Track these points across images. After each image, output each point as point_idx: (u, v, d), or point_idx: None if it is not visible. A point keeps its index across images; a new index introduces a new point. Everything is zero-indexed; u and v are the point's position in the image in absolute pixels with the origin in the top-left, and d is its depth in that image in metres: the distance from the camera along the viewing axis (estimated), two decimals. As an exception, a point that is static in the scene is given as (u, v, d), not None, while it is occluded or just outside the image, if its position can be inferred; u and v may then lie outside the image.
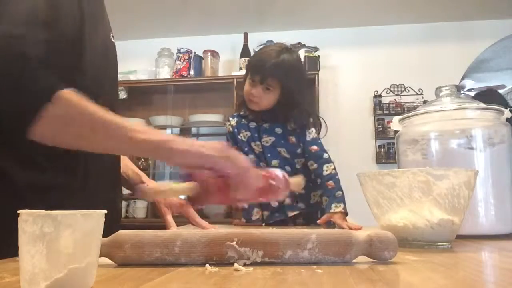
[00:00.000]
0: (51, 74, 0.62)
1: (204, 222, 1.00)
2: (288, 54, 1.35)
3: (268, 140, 1.40)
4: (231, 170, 0.62)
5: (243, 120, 1.45)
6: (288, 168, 1.37)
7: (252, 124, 1.43)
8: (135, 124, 0.63)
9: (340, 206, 1.25)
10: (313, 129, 1.39)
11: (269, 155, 1.38)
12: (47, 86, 0.60)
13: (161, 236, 0.50)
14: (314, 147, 1.36)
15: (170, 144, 0.62)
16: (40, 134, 0.60)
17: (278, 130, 1.40)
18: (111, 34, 0.92)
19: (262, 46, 1.42)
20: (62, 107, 0.60)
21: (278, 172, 0.68)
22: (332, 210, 1.24)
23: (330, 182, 1.30)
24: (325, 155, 1.36)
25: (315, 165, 1.35)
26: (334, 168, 1.33)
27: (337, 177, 1.32)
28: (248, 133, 1.43)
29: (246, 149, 1.42)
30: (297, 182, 0.73)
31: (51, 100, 0.59)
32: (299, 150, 1.39)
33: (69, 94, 0.61)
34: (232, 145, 1.43)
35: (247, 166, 0.64)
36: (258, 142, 1.40)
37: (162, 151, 0.63)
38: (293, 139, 1.38)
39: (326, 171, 1.32)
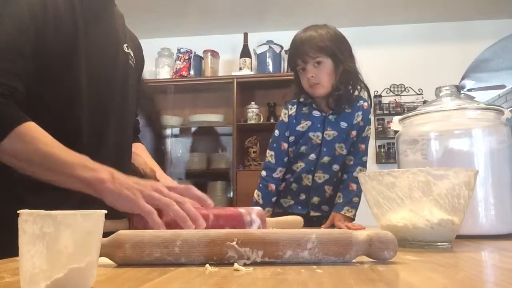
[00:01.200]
0: (13, 109, 0.69)
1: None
2: (313, 28, 1.34)
3: (331, 134, 1.35)
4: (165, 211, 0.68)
5: (304, 108, 1.38)
6: (336, 166, 1.36)
7: (316, 113, 1.36)
8: (85, 161, 0.70)
9: (351, 212, 1.27)
10: (370, 126, 1.39)
11: (324, 149, 1.34)
12: (6, 121, 0.67)
13: (161, 236, 0.50)
14: (363, 146, 1.37)
15: (104, 185, 0.68)
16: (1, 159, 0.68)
17: (343, 124, 1.35)
18: (125, 45, 0.92)
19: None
20: (17, 142, 0.67)
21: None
22: (342, 212, 1.25)
23: (353, 185, 1.31)
24: (364, 158, 1.37)
25: (352, 162, 1.35)
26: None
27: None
28: (309, 123, 1.35)
29: (301, 140, 1.36)
30: None
31: (7, 135, 0.66)
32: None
33: (27, 129, 0.68)
34: (281, 134, 1.38)
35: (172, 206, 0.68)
36: (319, 133, 1.34)
37: (96, 189, 0.69)
38: (354, 133, 1.36)
39: (358, 173, 1.30)
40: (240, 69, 3.27)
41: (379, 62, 3.35)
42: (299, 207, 1.36)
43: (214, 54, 3.38)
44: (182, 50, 3.36)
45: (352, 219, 1.28)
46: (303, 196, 1.36)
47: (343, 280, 0.42)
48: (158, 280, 0.41)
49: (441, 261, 0.55)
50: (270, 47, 3.26)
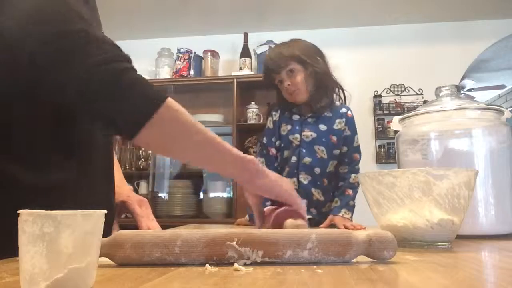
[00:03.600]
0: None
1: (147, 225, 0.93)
2: (281, 43, 1.43)
3: (309, 135, 1.39)
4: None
5: (286, 113, 1.45)
6: (317, 170, 1.38)
7: (296, 117, 1.43)
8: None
9: (348, 214, 1.29)
10: (357, 136, 1.43)
11: (304, 151, 1.38)
12: (158, 93, 0.62)
13: (161, 236, 0.50)
14: (357, 155, 1.41)
15: (258, 166, 0.69)
16: (146, 138, 0.61)
17: (323, 126, 1.40)
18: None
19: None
20: (173, 111, 0.62)
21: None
22: (340, 214, 1.28)
23: (350, 191, 1.34)
24: (357, 166, 1.41)
25: (346, 170, 1.38)
26: (357, 181, 1.37)
27: (357, 189, 1.34)
28: (289, 126, 1.42)
29: (282, 144, 1.42)
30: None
31: (163, 105, 0.61)
32: (336, 152, 1.39)
33: (174, 101, 0.64)
34: (269, 140, 1.44)
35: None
36: (297, 135, 1.39)
37: (250, 169, 0.69)
38: (334, 139, 1.39)
39: (353, 180, 1.36)
40: (240, 69, 3.27)
41: (379, 62, 3.35)
42: None
43: (214, 54, 3.38)
44: (182, 50, 3.36)
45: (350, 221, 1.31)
46: None
47: (343, 280, 0.42)
48: (158, 280, 0.41)
49: (441, 261, 0.55)
50: (270, 47, 3.26)
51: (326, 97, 1.40)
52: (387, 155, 3.20)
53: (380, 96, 3.30)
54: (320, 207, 1.39)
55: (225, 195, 3.26)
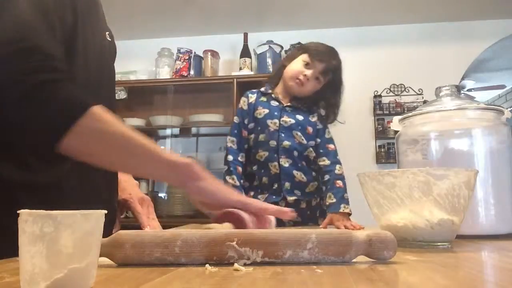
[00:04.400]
0: (79, 90, 0.63)
1: (148, 224, 0.93)
2: (338, 56, 1.48)
3: (287, 120, 1.43)
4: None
5: (263, 97, 1.48)
6: (296, 153, 1.41)
7: (274, 103, 1.46)
8: (160, 148, 0.66)
9: (347, 207, 1.30)
10: (329, 130, 1.48)
11: (283, 134, 1.41)
12: (80, 100, 0.61)
13: (161, 236, 0.50)
14: (332, 146, 1.44)
15: (193, 169, 0.66)
16: (67, 146, 0.60)
17: (300, 117, 1.44)
18: (107, 33, 0.91)
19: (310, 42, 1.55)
20: (94, 122, 0.61)
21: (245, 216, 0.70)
22: (341, 210, 1.28)
23: (339, 182, 1.35)
24: (338, 157, 1.43)
25: (328, 162, 1.40)
26: (343, 170, 1.39)
27: (344, 180, 1.36)
28: (267, 110, 1.45)
29: (259, 128, 1.44)
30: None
31: (84, 115, 0.59)
32: (312, 143, 1.44)
33: (100, 109, 0.62)
34: (241, 122, 1.46)
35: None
36: (276, 120, 1.43)
37: (185, 174, 0.66)
38: (310, 130, 1.43)
39: (338, 170, 1.38)
40: (240, 69, 3.27)
41: (379, 62, 3.35)
42: (273, 197, 1.41)
43: (214, 54, 3.38)
44: (182, 50, 3.36)
45: (349, 214, 1.31)
46: (275, 186, 1.41)
47: (343, 280, 0.42)
48: (158, 280, 0.41)
49: (441, 261, 0.55)
50: (270, 47, 3.26)
51: (310, 110, 1.47)
52: (387, 155, 3.20)
53: (380, 96, 3.29)
54: (304, 188, 1.42)
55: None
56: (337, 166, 1.39)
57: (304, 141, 1.42)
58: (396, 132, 1.07)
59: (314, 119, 1.46)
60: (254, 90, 1.52)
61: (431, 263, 0.53)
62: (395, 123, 1.05)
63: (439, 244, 0.69)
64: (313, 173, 1.44)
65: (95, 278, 0.38)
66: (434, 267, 0.50)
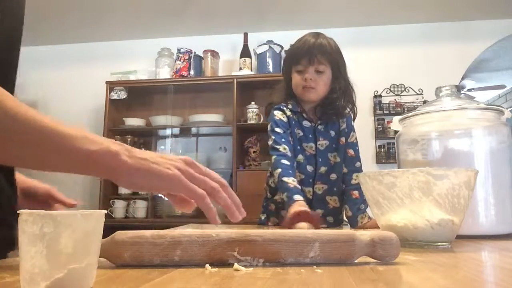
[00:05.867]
0: None
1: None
2: (324, 37, 1.35)
3: (323, 143, 1.34)
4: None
5: (295, 116, 1.34)
6: (334, 176, 1.34)
7: (306, 123, 1.34)
8: (82, 131, 0.50)
9: (364, 218, 1.25)
10: (354, 133, 1.37)
11: (320, 160, 1.33)
12: None
13: (160, 245, 0.49)
14: (351, 152, 1.35)
15: (119, 158, 0.50)
16: None
17: (332, 132, 1.35)
18: None
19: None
20: None
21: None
22: (359, 224, 1.24)
23: (355, 192, 1.29)
24: (358, 164, 1.34)
25: (346, 170, 1.33)
26: None
27: (361, 189, 1.24)
28: (301, 132, 1.34)
29: (298, 147, 1.33)
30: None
31: None
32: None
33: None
34: (287, 133, 1.30)
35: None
36: (312, 144, 1.33)
37: (109, 166, 0.50)
38: (343, 139, 1.35)
39: (355, 180, 1.30)
40: (240, 69, 3.27)
41: (379, 62, 3.35)
42: None
43: (214, 54, 3.38)
44: (182, 50, 3.36)
45: (369, 219, 1.27)
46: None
47: (343, 280, 0.42)
48: (158, 280, 0.41)
49: (441, 261, 0.55)
50: (270, 47, 3.26)
51: (338, 107, 1.34)
52: (387, 155, 3.20)
53: (380, 96, 3.30)
54: (337, 214, 1.36)
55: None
56: (354, 175, 1.31)
57: (338, 160, 1.34)
58: (396, 132, 1.07)
59: (343, 125, 1.36)
60: (284, 105, 1.35)
61: (431, 263, 0.53)
62: (395, 123, 1.05)
63: (439, 244, 0.69)
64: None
65: (95, 278, 0.38)
66: (434, 267, 0.50)
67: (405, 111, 3.00)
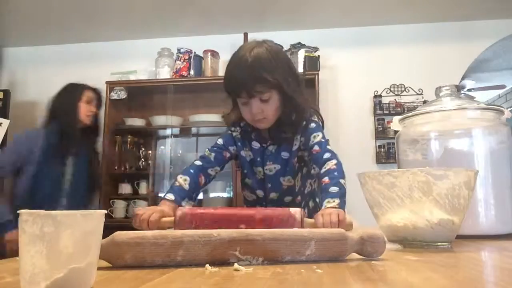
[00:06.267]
0: None
1: None
2: (256, 51, 1.15)
3: (272, 168, 1.22)
4: None
5: (245, 135, 1.24)
6: (288, 198, 1.24)
7: (255, 145, 1.23)
8: None
9: (334, 201, 1.02)
10: (319, 133, 1.18)
11: (269, 185, 1.22)
12: None
13: (162, 245, 0.49)
14: (316, 148, 1.17)
15: None
16: None
17: (285, 154, 1.21)
18: None
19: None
20: None
21: None
22: (324, 207, 1.02)
23: (325, 179, 1.10)
24: (326, 155, 1.15)
25: (317, 169, 1.16)
26: (336, 164, 1.11)
27: (335, 173, 1.09)
28: (251, 154, 1.23)
29: (245, 171, 1.24)
30: None
31: None
32: (300, 166, 1.24)
33: None
34: (227, 148, 1.24)
35: None
36: (260, 169, 1.23)
37: None
38: (295, 161, 1.21)
39: (325, 168, 1.12)
40: (240, 69, 3.27)
41: (379, 62, 3.35)
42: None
43: (214, 54, 3.38)
44: (182, 50, 3.36)
45: (339, 208, 1.02)
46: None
47: (343, 280, 0.42)
48: (158, 280, 0.41)
49: (441, 261, 0.56)
50: (270, 47, 3.26)
51: (293, 125, 1.19)
52: (387, 155, 3.20)
53: (380, 96, 3.29)
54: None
55: (225, 195, 3.27)
56: (325, 164, 1.12)
57: (292, 182, 1.21)
58: (396, 132, 1.07)
59: (297, 143, 1.20)
60: (236, 124, 1.25)
61: (431, 263, 0.53)
62: (395, 123, 1.05)
63: (439, 244, 0.69)
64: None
65: (95, 278, 0.38)
66: (434, 267, 0.50)
67: (405, 111, 3.00)
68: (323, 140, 1.18)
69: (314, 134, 1.18)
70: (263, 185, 1.23)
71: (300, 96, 1.18)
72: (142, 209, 1.00)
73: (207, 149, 1.24)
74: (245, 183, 1.27)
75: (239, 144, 1.24)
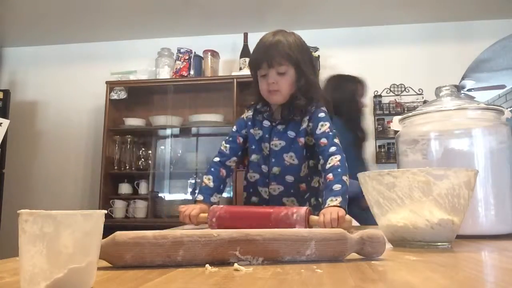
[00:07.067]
0: None
1: None
2: (282, 34, 1.32)
3: (277, 143, 1.32)
4: None
5: (259, 116, 1.38)
6: (290, 178, 1.29)
7: (266, 123, 1.35)
8: None
9: (336, 199, 1.09)
10: (327, 123, 1.27)
11: (273, 160, 1.31)
12: None
13: (163, 245, 0.49)
14: (323, 141, 1.24)
15: None
16: None
17: (291, 133, 1.31)
18: None
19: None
20: None
21: None
22: (326, 205, 1.08)
23: (329, 175, 1.16)
24: (332, 149, 1.21)
25: (322, 161, 1.23)
26: (340, 160, 1.18)
27: (339, 169, 1.16)
28: (260, 132, 1.36)
29: (253, 147, 1.35)
30: None
31: None
32: (306, 151, 1.30)
33: None
34: (239, 132, 1.38)
35: None
36: (267, 144, 1.33)
37: None
38: (302, 140, 1.29)
39: (329, 163, 1.18)
40: (240, 69, 3.27)
41: (379, 62, 3.35)
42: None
43: (214, 54, 3.38)
44: (182, 50, 3.36)
45: (340, 206, 1.08)
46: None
47: (343, 280, 0.42)
48: (158, 280, 0.41)
49: (441, 261, 0.56)
50: (270, 47, 3.26)
51: (304, 106, 1.30)
52: (387, 155, 3.20)
53: (380, 96, 3.30)
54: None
55: (225, 195, 3.26)
56: (329, 160, 1.19)
57: (295, 161, 1.29)
58: (396, 132, 1.07)
59: (304, 125, 1.30)
60: (251, 105, 1.41)
61: (431, 263, 0.53)
62: (395, 123, 1.05)
63: (439, 244, 0.69)
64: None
65: (95, 278, 0.38)
66: (434, 267, 0.50)
67: (405, 111, 3.00)
68: (330, 132, 1.28)
69: (322, 122, 1.29)
70: (268, 159, 1.34)
71: (314, 82, 1.33)
72: (185, 207, 1.21)
73: (223, 142, 1.40)
74: (251, 160, 1.38)
75: (249, 123, 1.39)
